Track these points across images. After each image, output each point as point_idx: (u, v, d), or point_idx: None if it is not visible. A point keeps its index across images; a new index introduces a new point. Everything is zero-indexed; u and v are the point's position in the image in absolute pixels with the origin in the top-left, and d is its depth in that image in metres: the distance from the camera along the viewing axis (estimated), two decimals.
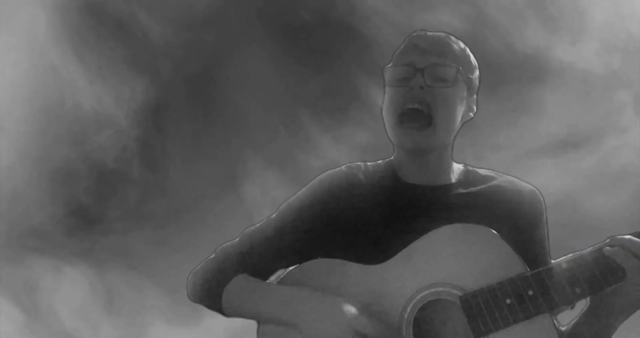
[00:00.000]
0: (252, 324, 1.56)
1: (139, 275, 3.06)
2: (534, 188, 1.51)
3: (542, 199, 1.51)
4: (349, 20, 2.76)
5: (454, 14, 2.65)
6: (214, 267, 1.49)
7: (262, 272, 1.47)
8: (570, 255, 1.25)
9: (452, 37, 1.53)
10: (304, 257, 1.45)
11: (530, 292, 1.21)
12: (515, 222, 1.42)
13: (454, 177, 1.53)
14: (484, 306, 1.23)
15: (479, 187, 1.50)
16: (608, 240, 1.24)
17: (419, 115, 1.43)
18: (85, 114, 3.12)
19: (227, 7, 2.99)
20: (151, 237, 3.13)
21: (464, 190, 1.50)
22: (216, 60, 3.05)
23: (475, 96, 1.56)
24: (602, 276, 1.21)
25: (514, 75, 2.62)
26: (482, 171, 1.55)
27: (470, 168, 1.56)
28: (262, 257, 1.48)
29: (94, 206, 3.17)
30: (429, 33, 1.53)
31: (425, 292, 1.29)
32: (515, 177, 1.54)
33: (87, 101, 3.12)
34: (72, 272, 3.05)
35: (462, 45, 1.53)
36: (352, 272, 1.38)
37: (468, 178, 1.53)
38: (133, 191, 3.19)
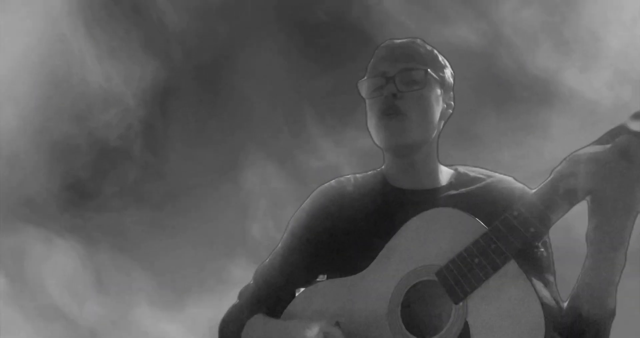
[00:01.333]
0: None
1: (128, 257, 3.04)
2: (524, 186, 1.52)
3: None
4: (364, 25, 2.74)
5: (471, 29, 2.63)
6: (231, 312, 1.56)
7: (280, 302, 1.50)
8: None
9: (419, 41, 1.58)
10: (314, 277, 1.48)
11: (493, 246, 1.24)
12: None
13: (443, 180, 1.54)
14: (456, 272, 1.26)
15: (469, 188, 1.50)
16: (548, 178, 1.25)
17: (396, 118, 1.47)
18: (92, 91, 3.09)
19: (243, 0, 2.97)
20: (145, 218, 3.11)
21: (454, 192, 1.50)
22: (227, 51, 3.03)
23: (451, 93, 1.60)
24: (549, 210, 1.22)
25: (523, 95, 2.61)
26: (472, 173, 1.55)
27: (462, 170, 1.57)
28: (276, 289, 1.53)
29: (91, 181, 3.15)
30: (396, 41, 1.57)
31: (407, 279, 1.32)
32: (505, 175, 1.55)
33: (95, 78, 3.09)
34: (63, 246, 3.03)
35: (428, 47, 1.57)
36: (343, 284, 1.41)
37: (458, 180, 1.54)
38: (132, 171, 3.17)
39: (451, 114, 1.60)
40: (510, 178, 1.54)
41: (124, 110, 3.10)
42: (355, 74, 1.60)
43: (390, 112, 1.47)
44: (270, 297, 1.52)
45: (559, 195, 1.21)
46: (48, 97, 3.06)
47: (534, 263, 1.40)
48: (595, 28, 2.35)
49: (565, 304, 1.33)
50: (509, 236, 1.23)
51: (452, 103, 1.61)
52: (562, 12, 2.47)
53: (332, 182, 1.60)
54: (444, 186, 1.53)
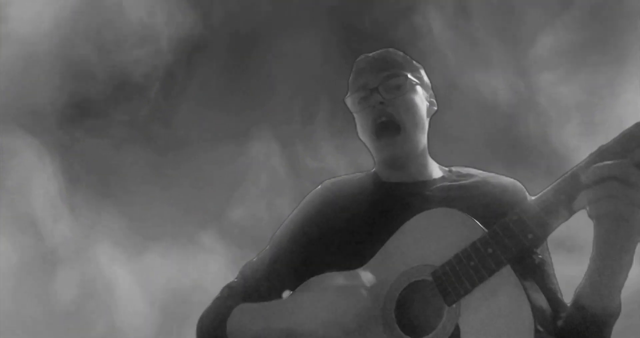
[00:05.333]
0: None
1: (109, 190, 2.94)
2: (514, 180, 1.46)
3: (523, 188, 1.44)
4: (406, 47, 2.59)
5: (506, 83, 2.49)
6: (214, 304, 1.43)
7: (264, 298, 1.38)
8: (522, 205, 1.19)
9: (391, 50, 1.54)
10: (301, 277, 1.36)
11: (490, 250, 1.16)
12: (500, 211, 1.28)
13: (435, 174, 1.49)
14: (451, 274, 1.19)
15: (462, 182, 1.45)
16: (552, 185, 1.13)
17: (389, 124, 1.42)
18: (130, 23, 2.95)
19: None
20: (140, 158, 3.00)
21: (447, 184, 1.45)
22: (266, 29, 2.91)
23: (431, 91, 1.56)
24: (549, 217, 1.12)
25: (538, 162, 2.50)
26: (464, 170, 1.52)
27: (454, 168, 1.53)
28: (262, 285, 1.43)
29: (99, 104, 3.03)
30: (370, 54, 1.54)
31: (402, 278, 1.25)
32: (496, 173, 1.49)
33: (136, 12, 2.95)
34: (51, 161, 2.92)
35: (401, 53, 1.54)
36: (337, 281, 1.31)
37: (450, 174, 1.49)
38: (143, 109, 3.05)
39: (436, 110, 1.55)
40: (496, 174, 1.47)
41: (156, 51, 2.98)
42: None
43: (383, 119, 1.42)
44: (257, 292, 1.42)
45: (560, 203, 1.10)
46: (80, 16, 2.92)
47: (532, 269, 1.27)
48: (625, 118, 2.22)
49: (569, 304, 1.23)
50: (506, 241, 1.15)
51: (434, 100, 1.56)
52: (600, 94, 2.33)
53: (326, 183, 1.53)
54: (435, 179, 1.47)
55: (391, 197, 1.43)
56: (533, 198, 1.15)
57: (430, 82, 1.57)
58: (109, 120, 3.05)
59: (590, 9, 2.43)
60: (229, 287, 1.48)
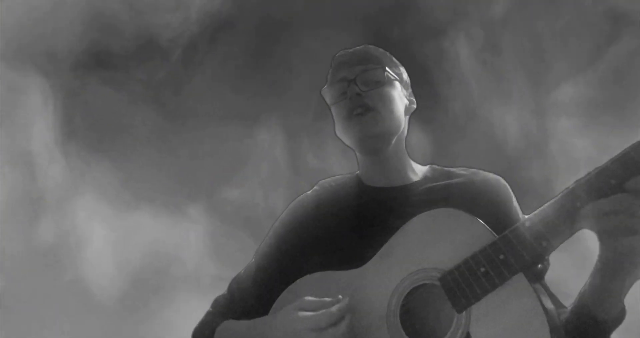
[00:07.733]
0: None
1: (111, 144, 2.83)
2: (498, 177, 1.43)
3: (507, 185, 1.42)
4: (430, 65, 2.50)
5: (519, 123, 2.41)
6: (204, 320, 1.41)
7: (253, 310, 1.37)
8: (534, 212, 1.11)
9: (371, 46, 1.51)
10: (288, 285, 1.32)
11: (502, 256, 1.10)
12: (484, 210, 1.25)
13: (417, 176, 1.45)
14: (461, 280, 1.12)
15: (443, 182, 1.41)
16: (567, 191, 1.08)
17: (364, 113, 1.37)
18: None
19: None
20: (145, 118, 2.89)
21: (431, 185, 1.40)
22: (297, 21, 2.82)
23: (410, 90, 1.53)
24: (564, 225, 1.06)
25: (538, 207, 2.42)
26: (445, 168, 1.48)
27: (437, 166, 1.49)
28: (250, 296, 1.41)
29: (118, 58, 2.91)
30: (350, 49, 1.51)
31: (407, 281, 1.19)
32: (480, 169, 1.45)
33: None
34: (56, 106, 2.82)
35: (381, 50, 1.50)
36: (336, 279, 1.27)
37: (433, 174, 1.45)
38: (161, 73, 2.93)
39: (414, 108, 1.52)
40: (480, 171, 1.44)
41: (185, 19, 2.87)
42: None
43: (360, 110, 1.37)
44: (243, 306, 1.40)
45: (576, 210, 1.05)
46: None
47: (540, 274, 1.26)
48: None
49: (571, 305, 1.19)
50: (519, 248, 1.08)
51: (414, 99, 1.53)
52: (611, 154, 2.25)
53: (309, 191, 1.49)
54: (417, 181, 1.42)
55: (375, 202, 1.37)
56: (544, 206, 1.09)
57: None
58: (124, 75, 2.95)
59: (614, 70, 2.36)
60: (217, 302, 1.45)
